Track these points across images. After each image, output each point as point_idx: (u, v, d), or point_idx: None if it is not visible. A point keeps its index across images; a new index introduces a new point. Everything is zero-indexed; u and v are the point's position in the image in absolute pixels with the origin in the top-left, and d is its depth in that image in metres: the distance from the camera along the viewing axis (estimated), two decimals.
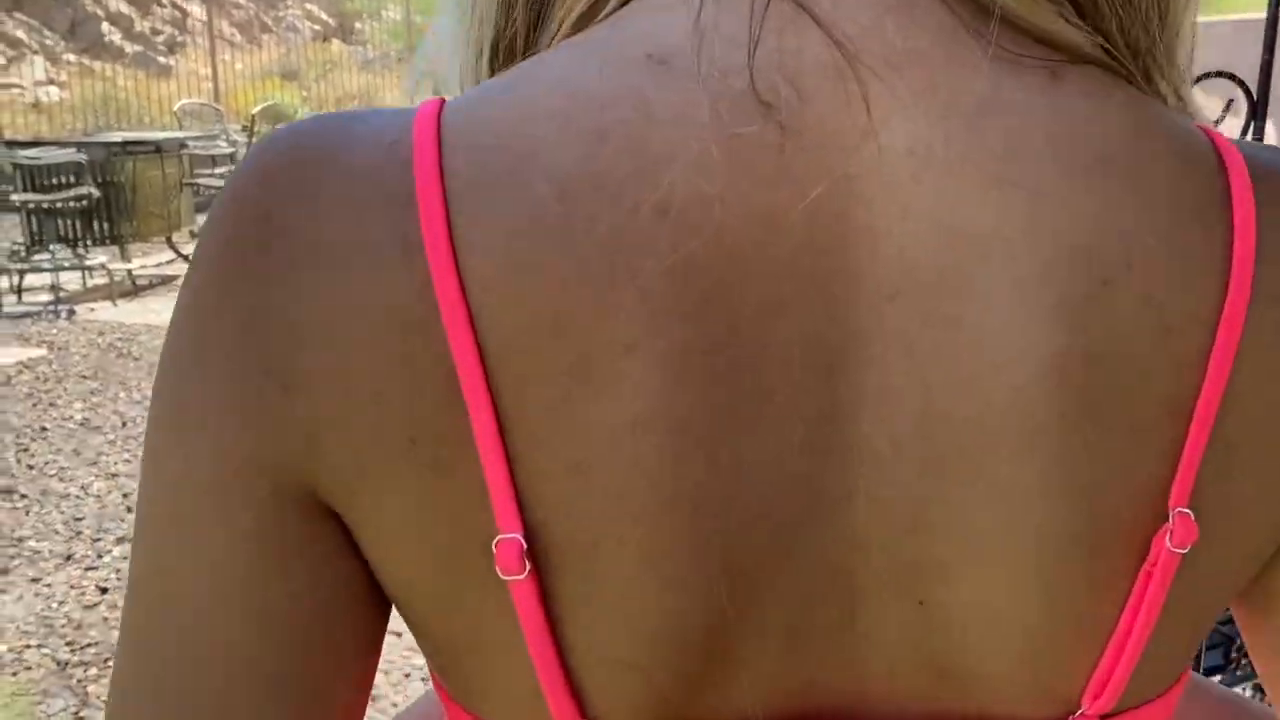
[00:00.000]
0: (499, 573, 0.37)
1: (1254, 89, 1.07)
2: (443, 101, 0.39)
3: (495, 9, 0.44)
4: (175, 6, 17.15)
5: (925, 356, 0.37)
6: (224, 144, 10.03)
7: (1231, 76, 1.07)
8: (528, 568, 0.36)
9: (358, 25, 18.29)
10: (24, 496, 4.15)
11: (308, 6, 18.25)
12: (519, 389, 0.36)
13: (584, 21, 0.41)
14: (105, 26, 15.89)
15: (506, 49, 0.44)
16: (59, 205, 7.89)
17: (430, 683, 0.50)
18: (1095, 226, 0.37)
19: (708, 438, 0.36)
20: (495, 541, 0.36)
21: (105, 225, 8.30)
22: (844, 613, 0.40)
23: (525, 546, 0.36)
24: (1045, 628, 0.39)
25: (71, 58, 15.06)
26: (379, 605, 0.42)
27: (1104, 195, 0.37)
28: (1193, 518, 0.38)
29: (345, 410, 0.37)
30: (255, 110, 12.20)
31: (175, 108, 13.15)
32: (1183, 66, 0.42)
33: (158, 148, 8.94)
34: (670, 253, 0.35)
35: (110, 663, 3.06)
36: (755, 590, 0.38)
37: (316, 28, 18.03)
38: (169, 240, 8.41)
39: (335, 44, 17.59)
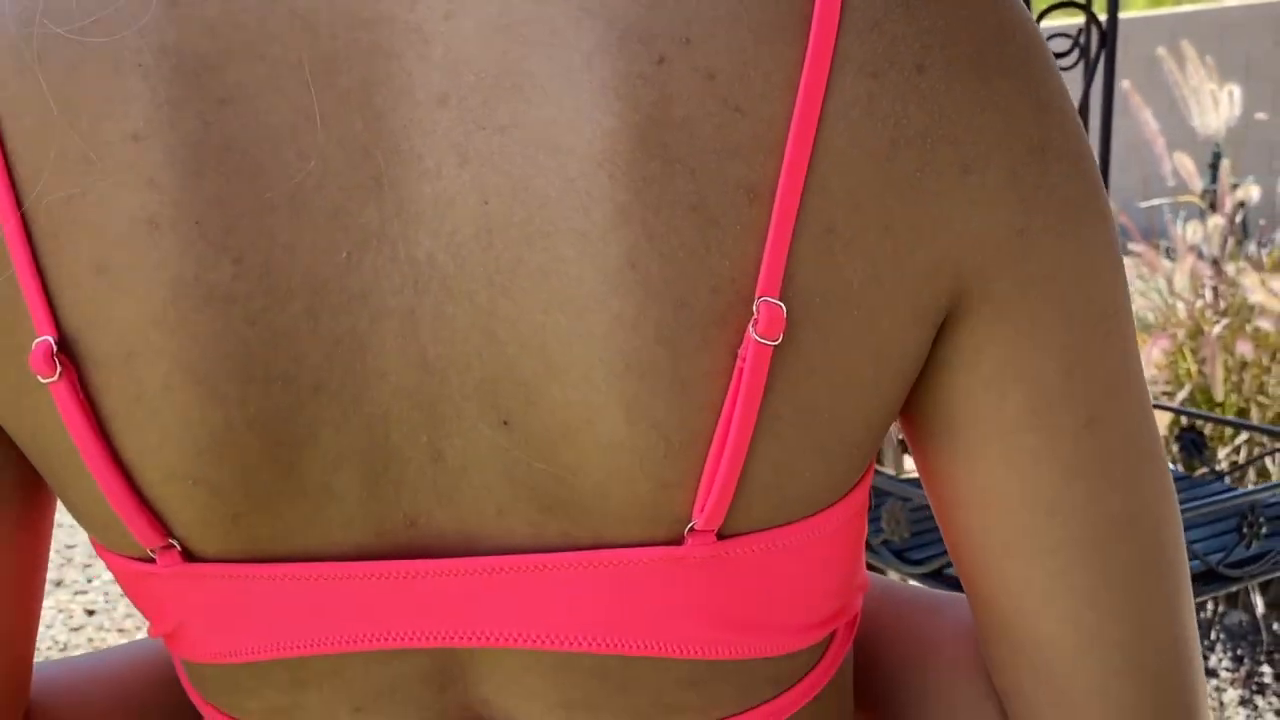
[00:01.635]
0: (36, 374, 0.38)
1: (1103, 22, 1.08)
2: None
3: None
4: None
5: (481, 161, 0.36)
6: None
7: (1079, 4, 1.08)
8: (58, 369, 0.37)
9: None
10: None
11: None
12: (37, 184, 0.37)
13: None
14: None
15: None
16: None
17: None
18: (647, 3, 0.35)
19: (234, 243, 0.37)
20: (30, 345, 0.38)
21: None
22: (430, 443, 0.39)
23: (55, 349, 0.37)
24: (633, 440, 0.37)
25: None
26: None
27: None
28: (782, 308, 0.36)
29: None
30: None
31: None
32: None
33: None
34: (180, 45, 0.36)
35: None
36: (320, 410, 0.38)
37: None
38: None
39: None
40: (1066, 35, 1.21)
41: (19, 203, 0.37)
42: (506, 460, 0.39)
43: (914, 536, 1.45)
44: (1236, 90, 3.41)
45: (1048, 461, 0.42)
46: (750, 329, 0.37)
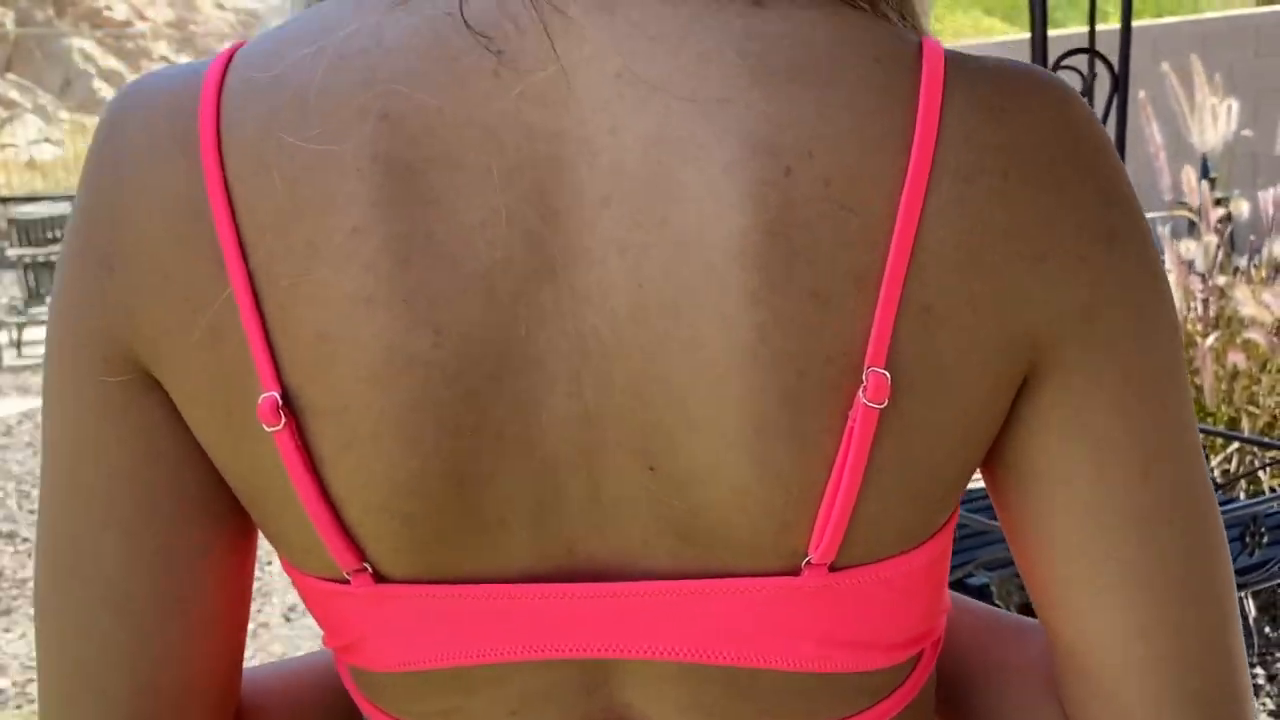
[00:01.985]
0: (262, 424, 0.44)
1: (1115, 63, 1.16)
2: (237, 48, 0.48)
3: None
4: (165, 60, 17.35)
5: (637, 252, 0.43)
6: None
7: (1092, 51, 1.16)
8: (284, 420, 0.44)
9: None
10: (26, 540, 4.23)
11: None
12: (269, 266, 0.44)
13: None
14: (97, 83, 16.09)
15: None
16: (55, 259, 8.02)
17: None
18: (778, 124, 0.42)
19: (435, 318, 0.43)
20: (257, 399, 0.44)
21: None
22: (590, 484, 0.46)
23: (280, 402, 0.44)
24: (758, 486, 0.43)
25: (65, 115, 15.25)
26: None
27: (788, 96, 0.42)
28: (887, 376, 0.42)
29: (147, 283, 0.45)
30: None
31: None
32: None
33: None
34: (390, 153, 0.43)
35: None
36: (499, 457, 0.45)
37: None
38: None
39: None
40: (1078, 71, 1.27)
41: (251, 280, 0.44)
42: (651, 499, 0.45)
43: None
44: (1234, 105, 3.50)
45: (1107, 510, 0.47)
46: (860, 394, 0.43)
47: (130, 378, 0.47)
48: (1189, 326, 3.20)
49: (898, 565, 0.48)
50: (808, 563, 0.45)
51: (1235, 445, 2.96)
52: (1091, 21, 1.36)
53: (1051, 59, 1.21)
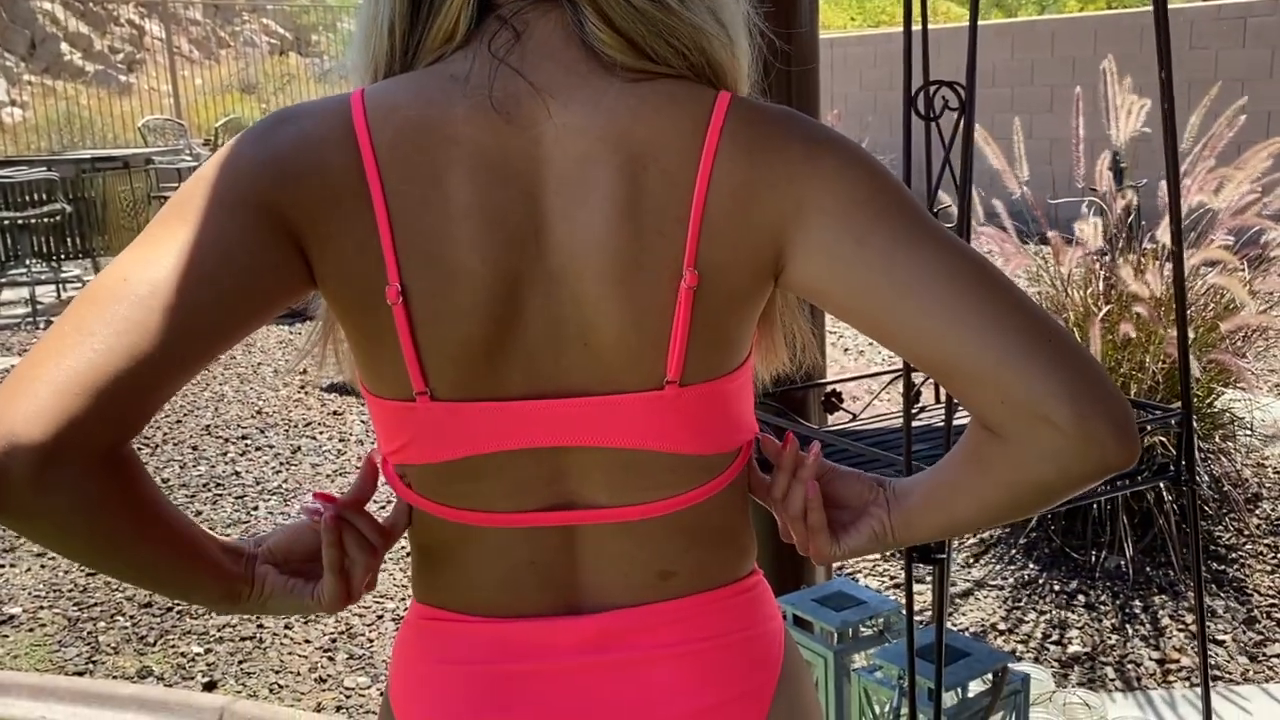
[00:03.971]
0: (388, 302, 0.79)
1: (962, 91, 1.50)
2: (364, 90, 0.82)
3: (382, 49, 0.86)
4: (132, 25, 17.36)
5: (572, 221, 0.79)
6: (188, 158, 10.32)
7: (948, 83, 1.51)
8: (400, 300, 0.79)
9: (314, 38, 18.55)
10: None
11: (264, 21, 18.49)
12: (400, 213, 0.78)
13: (424, 64, 0.83)
14: (64, 46, 16.10)
15: (385, 70, 0.86)
16: (32, 221, 8.21)
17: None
18: (643, 141, 0.79)
19: (483, 253, 0.79)
20: (386, 287, 0.79)
21: (78, 239, 8.63)
22: (554, 351, 0.82)
23: (400, 290, 0.79)
24: (639, 341, 0.81)
25: (32, 78, 15.26)
26: (286, 298, 0.81)
27: (648, 125, 0.79)
28: (696, 273, 0.79)
29: (323, 206, 0.78)
30: (218, 124, 12.44)
31: (139, 124, 13.37)
32: (730, 70, 0.84)
33: (125, 163, 9.24)
34: (461, 157, 0.79)
35: (116, 618, 3.44)
36: (508, 333, 0.81)
37: (273, 41, 18.24)
38: None
39: (293, 57, 17.81)
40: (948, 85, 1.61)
41: (390, 221, 0.79)
42: (583, 358, 0.82)
43: None
44: (1146, 103, 3.85)
45: (885, 274, 0.78)
46: (682, 283, 0.80)
47: (279, 233, 0.78)
48: (1089, 301, 3.58)
49: (718, 385, 0.85)
50: (668, 382, 0.83)
51: None
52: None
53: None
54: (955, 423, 1.66)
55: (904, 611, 1.68)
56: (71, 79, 15.39)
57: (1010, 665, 1.79)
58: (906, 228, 0.79)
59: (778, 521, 0.95)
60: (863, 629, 1.89)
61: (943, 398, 2.11)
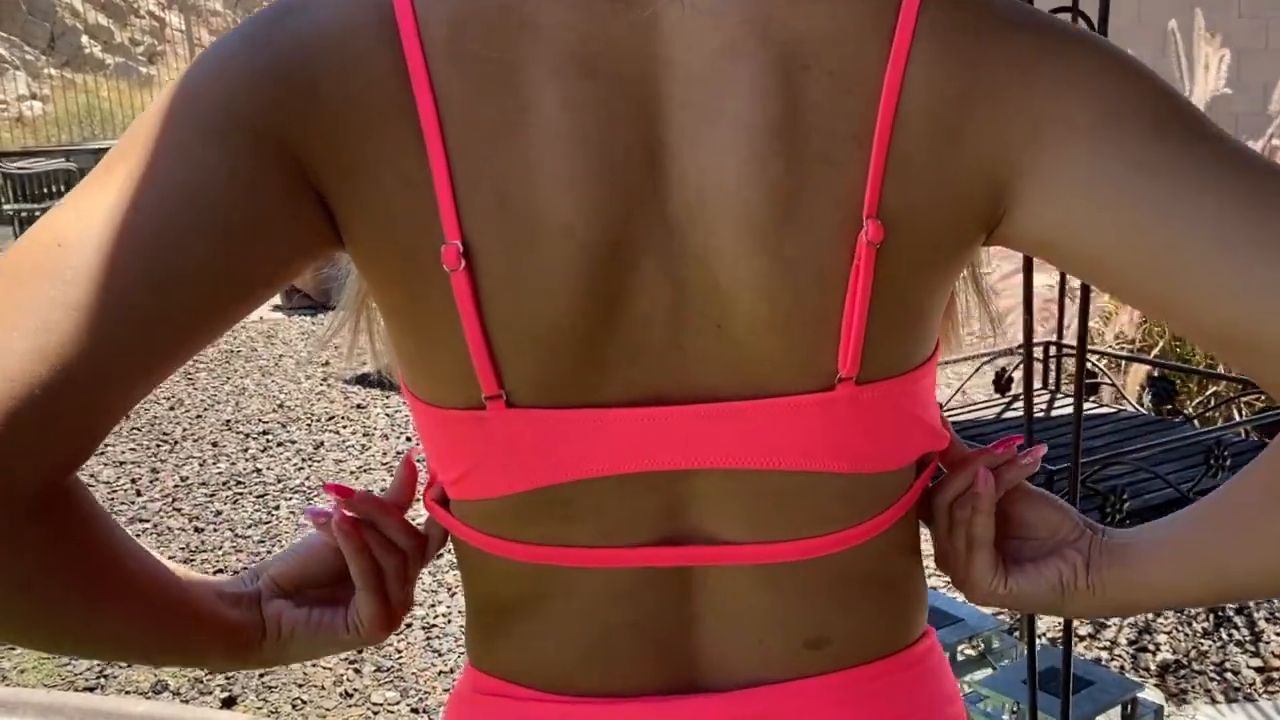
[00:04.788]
0: (444, 267, 0.55)
1: (1094, 20, 1.25)
2: None
3: None
4: (153, 17, 17.24)
5: (702, 146, 0.55)
6: None
7: (1073, 9, 1.26)
8: (463, 264, 0.55)
9: None
10: None
11: None
12: (461, 136, 0.54)
13: None
14: (85, 39, 16.00)
15: None
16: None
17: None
18: (800, 33, 0.54)
19: (579, 195, 0.54)
20: (442, 246, 0.55)
21: None
22: (671, 336, 0.57)
23: (461, 251, 0.54)
24: (795, 321, 0.56)
25: (53, 71, 15.16)
26: (296, 264, 0.57)
27: (807, 13, 0.55)
28: (880, 222, 0.54)
29: (349, 127, 0.54)
30: None
31: None
32: None
33: None
34: (544, 53, 0.54)
35: None
36: (611, 310, 0.56)
37: None
38: None
39: None
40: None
41: (445, 146, 0.54)
42: (716, 347, 0.57)
43: None
44: (1225, 57, 3.58)
45: (1154, 208, 0.52)
46: (862, 236, 0.55)
47: (286, 170, 0.54)
48: None
49: (905, 383, 0.60)
50: (841, 379, 0.57)
51: (1212, 389, 3.09)
52: None
53: None
54: (1054, 412, 1.41)
55: (1006, 631, 1.43)
56: (92, 72, 15.29)
57: (1138, 695, 1.55)
58: (1198, 145, 0.53)
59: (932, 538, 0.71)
60: (962, 651, 1.65)
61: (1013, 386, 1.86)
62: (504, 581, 0.65)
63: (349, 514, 0.66)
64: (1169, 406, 1.94)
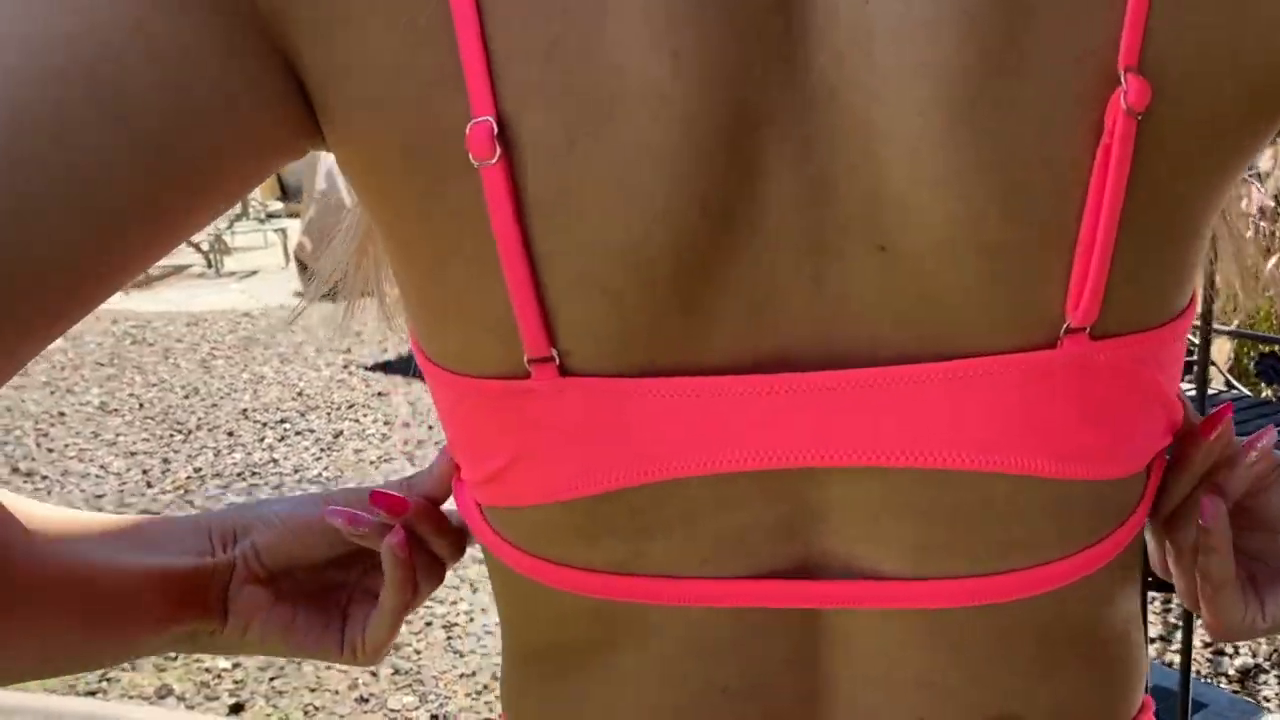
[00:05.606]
0: (471, 159, 0.35)
1: None
2: None
3: None
4: None
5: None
6: None
7: None
8: (498, 152, 0.35)
9: None
10: (45, 478, 4.19)
11: None
12: None
13: None
14: None
15: None
16: None
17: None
18: None
19: (672, 40, 0.35)
20: (467, 125, 0.35)
21: None
22: (813, 271, 0.38)
23: (496, 130, 0.35)
24: (1007, 234, 0.36)
25: None
26: (251, 160, 0.39)
27: None
28: (1145, 79, 0.35)
29: None
30: None
31: None
32: None
33: None
34: None
35: None
36: (723, 232, 0.37)
37: None
38: None
39: None
40: None
41: None
42: (880, 287, 0.38)
43: None
44: None
45: None
46: (1121, 99, 0.35)
47: (239, 21, 0.36)
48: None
49: (1157, 340, 0.40)
50: (1067, 329, 0.37)
51: None
52: None
53: None
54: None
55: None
56: None
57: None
58: None
59: (1150, 548, 0.52)
60: None
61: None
62: (555, 622, 0.46)
63: (406, 541, 0.51)
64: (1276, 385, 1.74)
